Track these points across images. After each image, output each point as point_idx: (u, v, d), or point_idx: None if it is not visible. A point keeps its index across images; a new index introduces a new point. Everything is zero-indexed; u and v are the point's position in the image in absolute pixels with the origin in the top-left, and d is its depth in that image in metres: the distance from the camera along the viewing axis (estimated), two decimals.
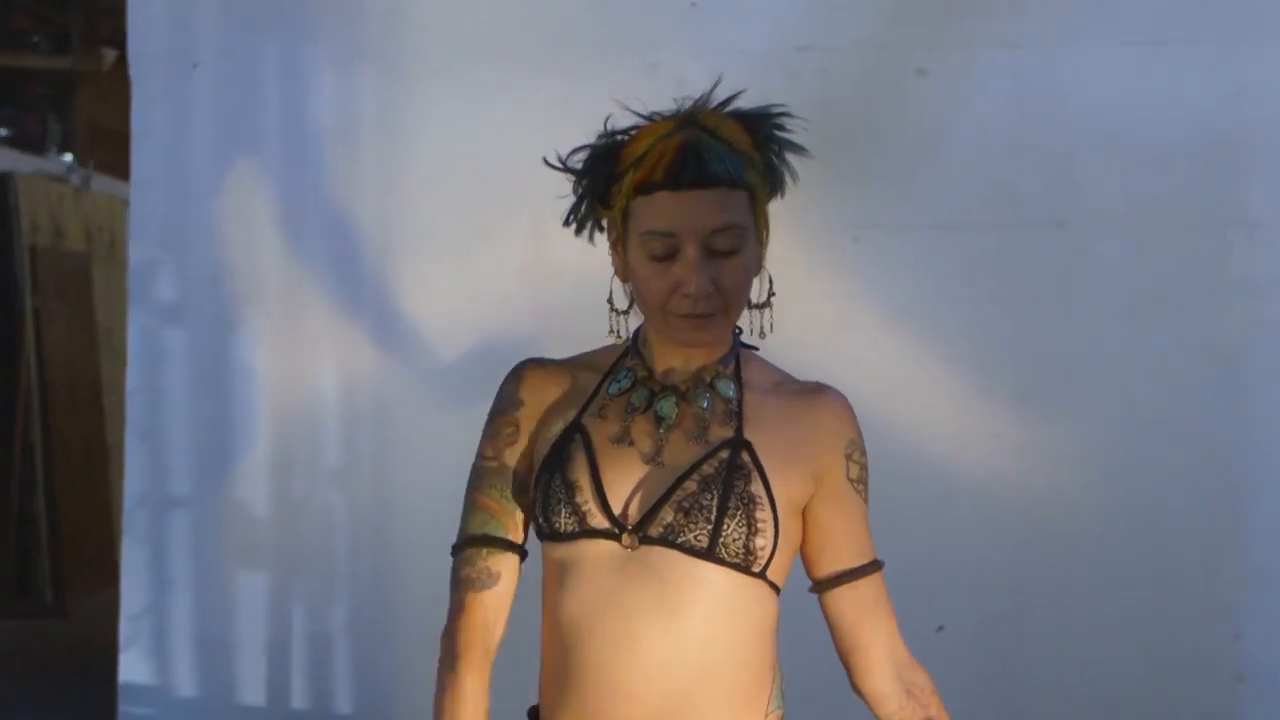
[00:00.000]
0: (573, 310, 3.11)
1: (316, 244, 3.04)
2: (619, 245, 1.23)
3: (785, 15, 2.92)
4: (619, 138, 1.21)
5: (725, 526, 1.14)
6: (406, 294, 3.00)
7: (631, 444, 1.18)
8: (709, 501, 1.15)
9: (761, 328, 1.26)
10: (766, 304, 1.26)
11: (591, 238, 1.27)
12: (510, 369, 1.31)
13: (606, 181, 1.20)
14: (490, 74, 2.98)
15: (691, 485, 1.16)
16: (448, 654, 1.23)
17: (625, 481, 1.17)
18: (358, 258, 3.04)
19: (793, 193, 3.25)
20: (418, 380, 3.01)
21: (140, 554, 3.01)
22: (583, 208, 1.24)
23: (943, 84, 2.89)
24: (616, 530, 1.15)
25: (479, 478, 1.28)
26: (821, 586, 1.25)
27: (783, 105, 1.27)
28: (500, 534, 1.25)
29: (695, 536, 1.15)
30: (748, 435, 1.19)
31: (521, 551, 1.26)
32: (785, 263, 2.78)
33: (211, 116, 3.04)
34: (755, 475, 1.17)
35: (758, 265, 1.24)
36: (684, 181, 1.15)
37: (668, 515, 1.15)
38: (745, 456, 1.18)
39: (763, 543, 1.16)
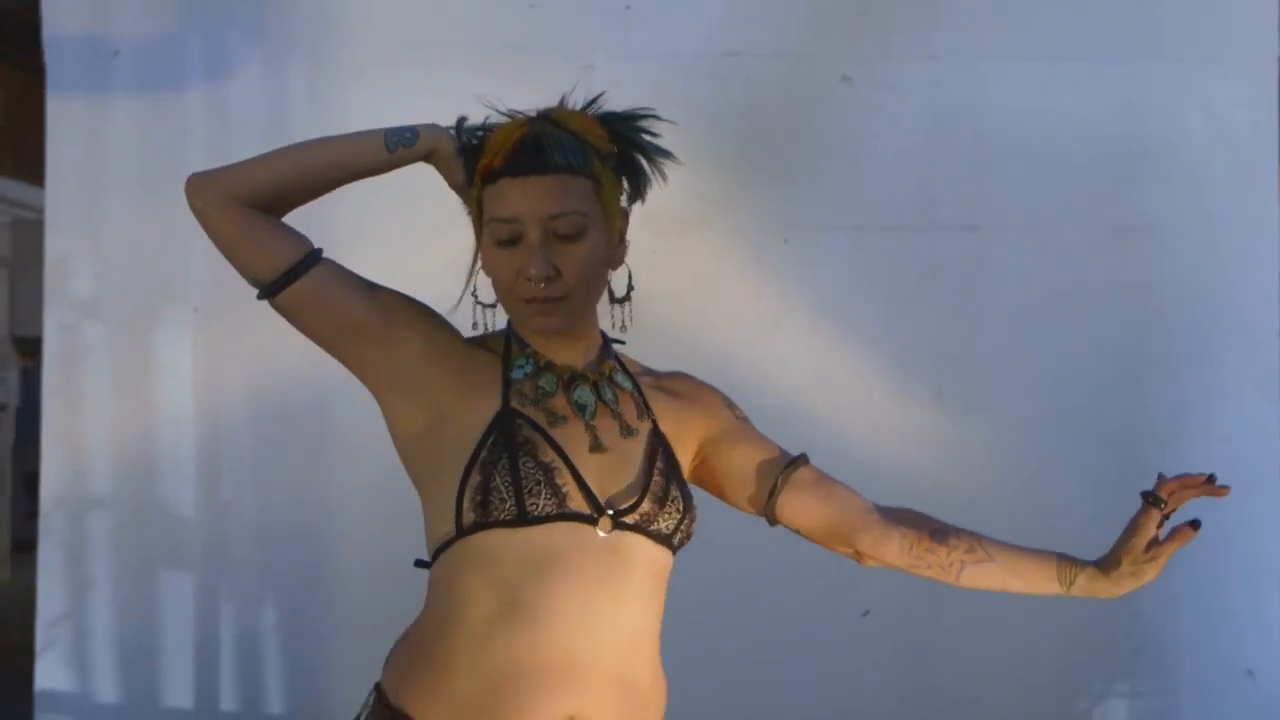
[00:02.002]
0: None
1: None
2: (478, 236, 1.26)
3: (716, 21, 3.00)
4: (479, 134, 1.23)
5: (686, 517, 1.21)
6: None
7: (566, 425, 1.20)
8: (676, 494, 1.22)
9: (623, 322, 1.28)
10: (626, 298, 1.29)
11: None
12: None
13: (470, 176, 1.23)
14: (422, 72, 2.97)
15: (659, 478, 1.21)
16: None
17: (587, 467, 1.20)
18: None
19: (724, 193, 3.33)
20: (348, 377, 2.97)
21: (58, 557, 2.91)
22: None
23: (865, 92, 3.01)
24: (594, 514, 1.17)
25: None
26: (770, 507, 1.30)
27: (650, 108, 1.30)
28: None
29: (665, 525, 1.21)
30: (662, 429, 1.26)
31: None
32: (719, 261, 2.89)
33: (132, 106, 2.95)
34: (679, 467, 1.25)
35: (615, 258, 1.26)
36: (523, 168, 1.18)
37: (646, 505, 1.20)
38: (671, 450, 1.24)
39: (695, 528, 1.23)
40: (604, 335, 1.29)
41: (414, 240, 3.00)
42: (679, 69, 2.98)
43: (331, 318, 1.20)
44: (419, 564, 1.24)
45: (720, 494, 1.32)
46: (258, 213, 1.19)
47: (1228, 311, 3.04)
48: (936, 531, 1.27)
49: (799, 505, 1.29)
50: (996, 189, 3.03)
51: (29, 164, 6.50)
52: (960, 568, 1.26)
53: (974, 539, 1.27)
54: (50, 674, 2.90)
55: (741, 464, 1.30)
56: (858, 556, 1.29)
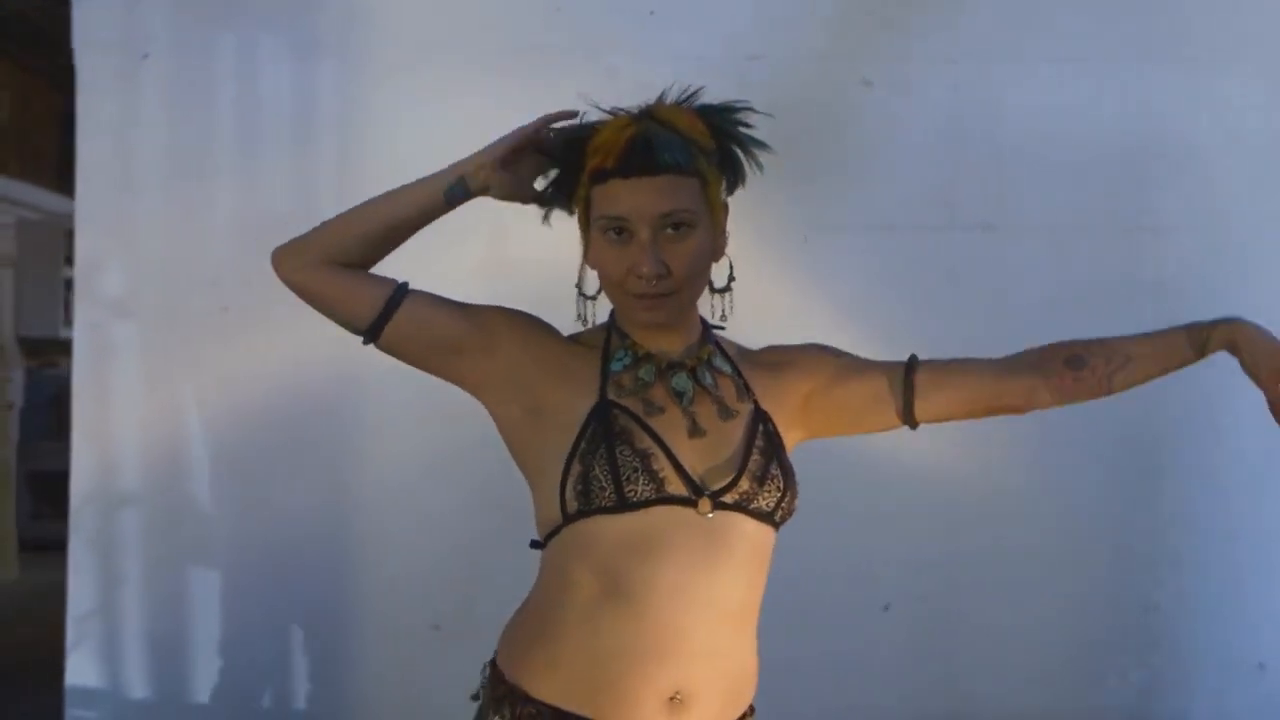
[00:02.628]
0: (529, 305, 3.17)
1: (272, 238, 3.01)
2: (584, 232, 1.29)
3: (738, 25, 3.05)
4: (584, 131, 1.27)
5: (787, 494, 1.26)
6: None
7: (663, 413, 1.25)
8: (776, 472, 1.26)
9: (722, 311, 1.34)
10: (727, 289, 1.35)
11: (547, 218, 1.33)
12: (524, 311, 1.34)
13: (574, 172, 1.28)
14: (451, 73, 3.01)
15: (757, 456, 1.25)
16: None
17: (685, 452, 1.24)
18: None
19: (746, 193, 3.38)
20: (373, 375, 3.01)
21: (87, 553, 2.94)
22: (550, 191, 1.31)
23: (885, 94, 3.06)
24: (693, 497, 1.22)
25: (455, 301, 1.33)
26: (910, 416, 1.34)
27: (745, 100, 1.37)
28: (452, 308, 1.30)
29: (765, 503, 1.25)
30: (764, 406, 1.29)
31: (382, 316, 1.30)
32: (739, 260, 2.93)
33: (162, 107, 2.98)
34: (782, 444, 1.28)
35: (717, 250, 1.32)
36: (634, 169, 1.23)
37: (744, 484, 1.24)
38: (773, 427, 1.28)
39: (797, 504, 1.28)
40: (704, 322, 1.33)
41: (441, 243, 3.03)
42: (702, 72, 2.99)
43: (432, 344, 1.26)
44: (534, 545, 1.29)
45: (855, 427, 1.35)
46: (342, 268, 1.25)
47: (1239, 310, 3.03)
48: (1072, 359, 1.31)
49: (936, 402, 1.34)
50: (1013, 189, 3.08)
51: (34, 164, 6.53)
52: (1109, 380, 1.31)
53: (1104, 349, 1.31)
54: (80, 669, 2.92)
55: (864, 393, 1.34)
56: (1015, 410, 1.33)
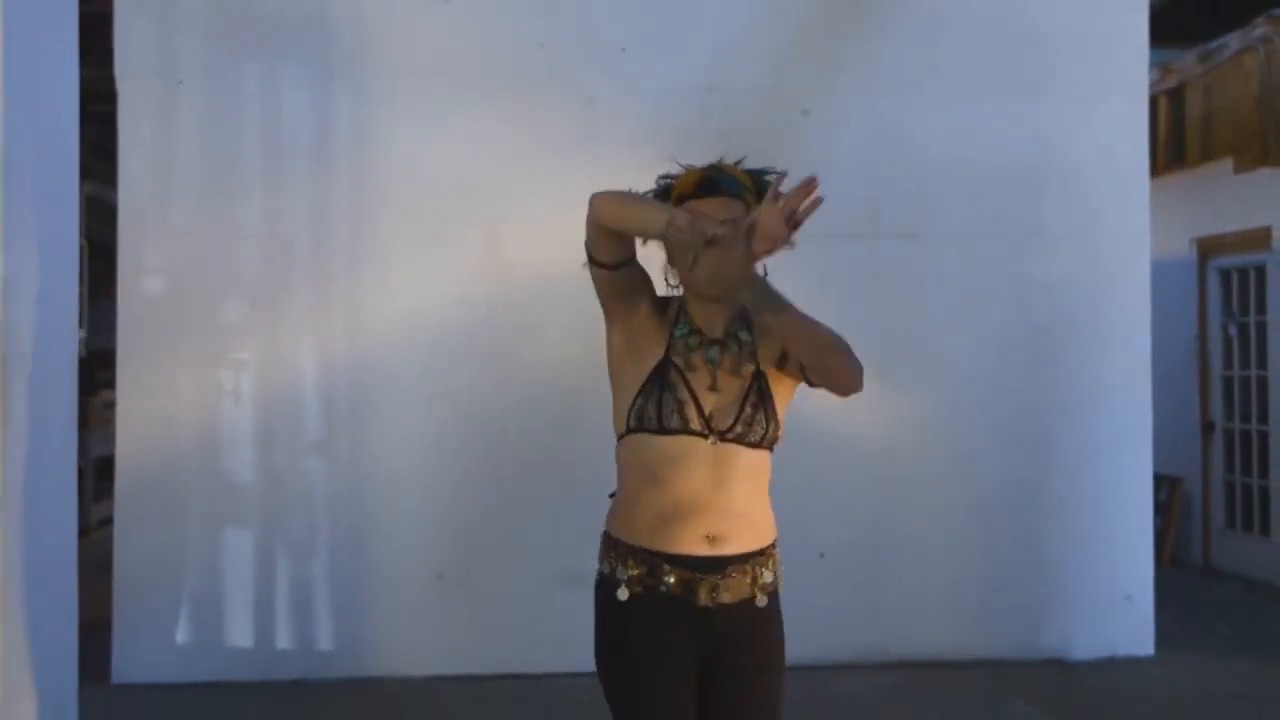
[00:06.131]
0: (520, 302, 3.64)
1: (294, 244, 3.44)
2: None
3: (698, 62, 3.54)
4: (669, 179, 1.84)
5: (769, 431, 1.80)
6: (376, 288, 3.44)
7: (696, 372, 1.82)
8: (761, 418, 1.81)
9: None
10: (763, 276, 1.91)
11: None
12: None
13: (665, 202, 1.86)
14: (448, 99, 3.45)
15: (749, 408, 1.80)
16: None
17: (706, 400, 1.82)
18: (331, 256, 3.45)
19: None
20: (387, 363, 3.45)
21: (133, 514, 3.33)
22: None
23: (821, 122, 3.59)
24: (706, 432, 1.79)
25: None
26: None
27: (771, 167, 1.88)
28: None
29: (754, 437, 1.81)
30: (762, 367, 1.83)
31: None
32: None
33: (195, 128, 3.37)
34: (770, 393, 1.82)
35: None
36: (703, 192, 1.80)
37: (738, 427, 1.80)
38: (765, 384, 1.82)
39: (781, 433, 1.83)
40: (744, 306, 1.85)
41: (442, 244, 3.48)
42: (668, 102, 3.52)
43: (619, 291, 1.79)
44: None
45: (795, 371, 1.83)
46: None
47: (1111, 305, 3.70)
48: None
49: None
50: (929, 203, 3.64)
51: None
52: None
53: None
54: (126, 617, 3.31)
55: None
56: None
